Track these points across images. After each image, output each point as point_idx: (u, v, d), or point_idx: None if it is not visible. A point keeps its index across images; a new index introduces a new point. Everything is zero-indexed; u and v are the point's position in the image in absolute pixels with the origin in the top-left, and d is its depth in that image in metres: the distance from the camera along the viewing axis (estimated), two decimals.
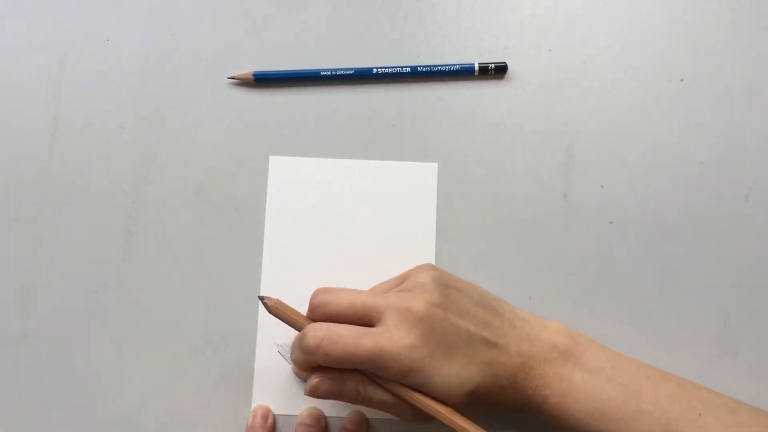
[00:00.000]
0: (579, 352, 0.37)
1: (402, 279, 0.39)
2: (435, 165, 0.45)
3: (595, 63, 0.46)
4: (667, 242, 0.44)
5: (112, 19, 0.47)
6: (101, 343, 0.43)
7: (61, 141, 0.45)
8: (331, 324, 0.35)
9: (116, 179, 0.45)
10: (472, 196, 0.45)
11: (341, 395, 0.36)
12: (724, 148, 0.45)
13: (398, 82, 0.46)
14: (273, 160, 0.45)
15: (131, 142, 0.45)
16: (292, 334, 0.40)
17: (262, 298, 0.37)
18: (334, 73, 0.45)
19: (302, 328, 0.36)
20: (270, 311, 0.37)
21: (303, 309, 0.38)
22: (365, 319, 0.36)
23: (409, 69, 0.46)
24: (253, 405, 0.42)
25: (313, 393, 0.36)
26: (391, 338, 0.34)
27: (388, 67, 0.46)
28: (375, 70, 0.46)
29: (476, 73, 0.46)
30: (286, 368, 0.42)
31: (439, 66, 0.46)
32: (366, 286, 0.41)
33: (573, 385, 0.36)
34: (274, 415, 0.42)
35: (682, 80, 0.46)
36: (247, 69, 0.46)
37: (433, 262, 0.44)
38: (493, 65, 0.46)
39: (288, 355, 0.42)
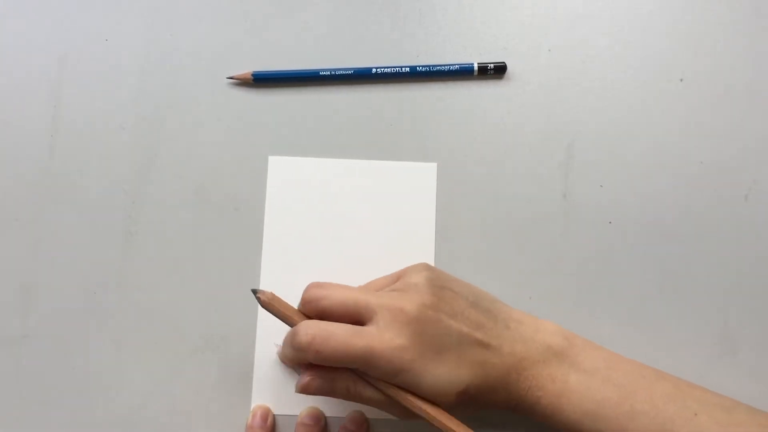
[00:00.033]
0: (574, 353, 0.37)
1: (396, 277, 0.39)
2: (434, 165, 0.45)
3: (595, 63, 0.46)
4: (667, 242, 0.44)
5: (112, 19, 0.47)
6: (101, 343, 0.43)
7: (61, 141, 0.45)
8: (323, 322, 0.35)
9: (116, 179, 0.45)
10: (471, 196, 0.45)
11: (332, 393, 0.36)
12: (724, 148, 0.45)
13: (398, 82, 0.46)
14: (272, 160, 0.45)
15: (131, 142, 0.45)
16: None
17: (255, 292, 0.37)
18: (333, 73, 0.45)
19: (294, 324, 0.36)
20: (263, 305, 0.37)
21: None
22: (357, 317, 0.36)
23: (408, 69, 0.46)
24: (253, 405, 0.42)
25: (304, 390, 0.36)
26: (382, 338, 0.34)
27: (388, 67, 0.46)
28: (374, 70, 0.46)
29: (476, 73, 0.46)
30: (285, 368, 0.43)
31: (438, 66, 0.46)
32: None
33: (567, 386, 0.36)
34: (273, 414, 0.42)
35: (682, 80, 0.46)
36: (247, 69, 0.46)
37: (433, 262, 0.44)
38: (492, 65, 0.46)
39: None
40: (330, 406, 0.42)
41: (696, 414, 0.35)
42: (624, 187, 0.45)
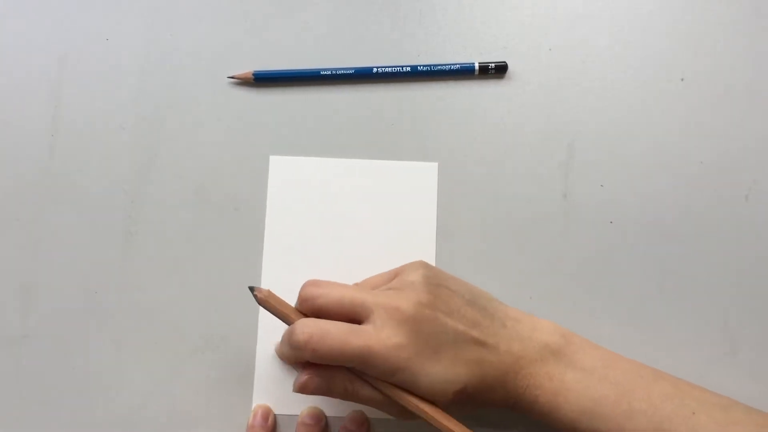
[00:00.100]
0: (571, 351, 0.37)
1: (393, 275, 0.39)
2: (435, 165, 0.45)
3: (595, 63, 0.46)
4: (667, 242, 0.44)
5: (112, 19, 0.47)
6: (101, 343, 0.43)
7: (61, 141, 0.45)
8: (320, 321, 0.35)
9: (116, 179, 0.45)
10: (472, 195, 0.45)
11: (330, 392, 0.36)
12: (724, 148, 0.45)
13: (398, 82, 0.46)
14: (273, 159, 0.45)
15: (131, 142, 0.45)
16: None
17: (252, 289, 0.37)
18: (334, 72, 0.45)
19: (291, 322, 0.36)
20: (260, 303, 0.36)
21: None
22: (353, 315, 0.35)
23: (409, 69, 0.46)
24: (254, 405, 0.42)
25: (302, 390, 0.36)
26: (378, 337, 0.34)
27: (388, 67, 0.46)
28: (375, 70, 0.46)
29: (476, 73, 0.46)
30: (286, 368, 0.43)
31: (439, 66, 0.46)
32: None
33: (564, 385, 0.36)
34: (274, 414, 0.42)
35: (682, 80, 0.46)
36: (247, 69, 0.46)
37: (434, 262, 0.44)
38: (493, 65, 0.46)
39: None
40: (330, 406, 0.42)
41: (694, 413, 0.35)
42: (624, 187, 0.45)
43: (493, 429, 0.42)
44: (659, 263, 0.44)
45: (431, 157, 0.45)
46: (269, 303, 0.36)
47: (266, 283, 0.44)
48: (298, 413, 0.42)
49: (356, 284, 0.41)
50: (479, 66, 0.46)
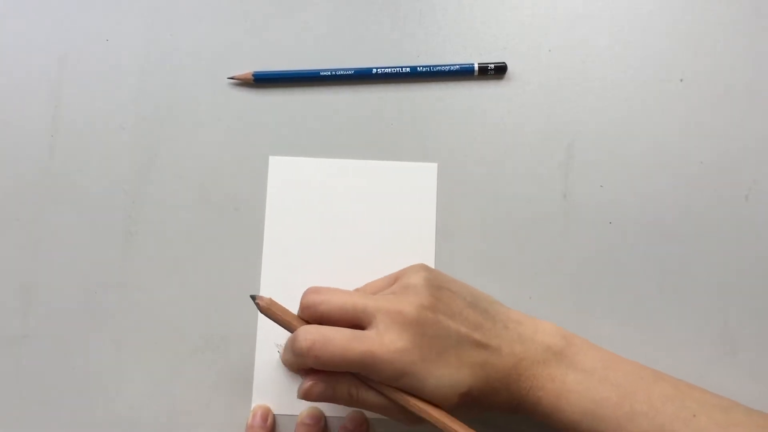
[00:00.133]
0: (572, 352, 0.37)
1: (394, 278, 0.39)
2: (435, 165, 0.45)
3: (595, 63, 0.46)
4: (667, 242, 0.44)
5: (112, 19, 0.47)
6: (101, 343, 0.43)
7: (61, 141, 0.45)
8: (323, 327, 0.35)
9: (116, 179, 0.45)
10: (472, 196, 0.45)
11: (334, 398, 0.36)
12: (724, 148, 0.45)
13: (398, 82, 0.46)
14: (273, 160, 0.45)
15: (131, 142, 0.45)
16: None
17: (254, 297, 0.37)
18: (333, 73, 0.45)
19: (294, 329, 0.36)
20: (262, 311, 0.36)
21: None
22: (356, 321, 0.35)
23: (408, 69, 0.46)
24: (253, 405, 0.42)
25: (306, 396, 0.36)
26: (382, 342, 0.34)
27: (388, 67, 0.46)
28: (375, 70, 0.46)
29: (476, 73, 0.46)
30: (286, 369, 0.42)
31: (438, 66, 0.46)
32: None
33: (566, 386, 0.36)
34: (273, 414, 0.42)
35: (682, 80, 0.46)
36: (247, 69, 0.46)
37: (433, 263, 0.44)
38: (492, 65, 0.46)
39: None
40: (330, 406, 0.42)
41: (695, 415, 0.35)
42: (624, 187, 0.45)
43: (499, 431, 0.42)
44: (659, 263, 0.44)
45: (431, 158, 0.45)
46: (271, 311, 0.36)
47: (266, 283, 0.44)
48: (298, 413, 0.42)
49: (357, 290, 0.41)
50: (479, 66, 0.46)
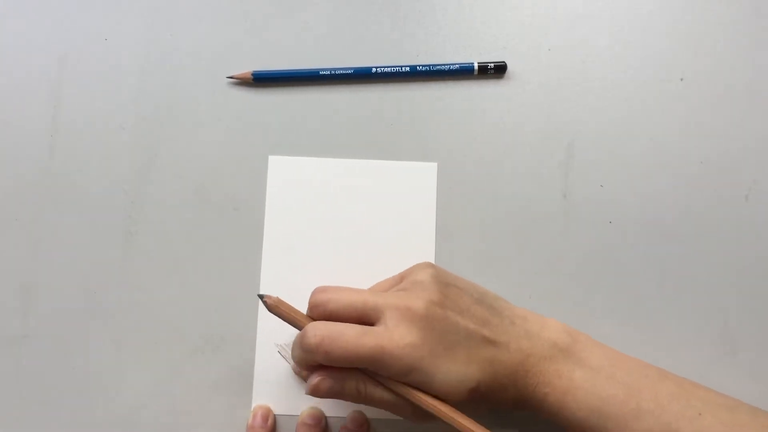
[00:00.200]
0: (578, 349, 0.37)
1: (401, 278, 0.39)
2: (434, 165, 0.45)
3: (595, 63, 0.46)
4: (667, 242, 0.44)
5: (112, 19, 0.47)
6: (101, 343, 0.43)
7: (61, 141, 0.45)
8: (332, 323, 0.35)
9: (116, 179, 0.45)
10: (472, 196, 0.45)
11: (342, 394, 0.36)
12: (724, 148, 0.45)
13: (398, 82, 0.46)
14: (272, 159, 0.45)
15: (131, 142, 0.45)
16: (292, 333, 0.40)
17: (261, 297, 0.37)
18: (333, 72, 0.45)
19: (302, 327, 0.36)
20: (270, 309, 0.37)
21: (303, 309, 0.38)
22: (364, 318, 0.35)
23: (408, 68, 0.46)
24: (253, 405, 0.42)
25: (314, 392, 0.36)
26: (391, 337, 0.34)
27: (388, 67, 0.46)
28: (374, 70, 0.46)
29: (476, 73, 0.46)
30: (286, 368, 0.43)
31: (438, 65, 0.46)
32: (366, 285, 0.41)
33: (573, 383, 0.36)
34: (274, 415, 0.42)
35: (682, 80, 0.46)
36: (247, 69, 0.46)
37: (433, 262, 0.44)
38: (492, 65, 0.46)
39: (288, 355, 0.42)
40: (330, 407, 0.42)
41: (700, 414, 0.35)
42: (624, 187, 0.45)
43: (505, 428, 0.42)
44: (659, 263, 0.44)
45: (430, 157, 0.45)
46: (279, 309, 0.36)
47: (266, 283, 0.44)
48: (298, 413, 0.42)
49: (366, 289, 0.41)
50: (478, 66, 0.46)
